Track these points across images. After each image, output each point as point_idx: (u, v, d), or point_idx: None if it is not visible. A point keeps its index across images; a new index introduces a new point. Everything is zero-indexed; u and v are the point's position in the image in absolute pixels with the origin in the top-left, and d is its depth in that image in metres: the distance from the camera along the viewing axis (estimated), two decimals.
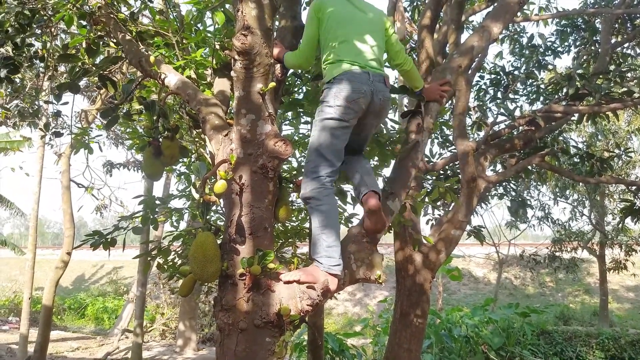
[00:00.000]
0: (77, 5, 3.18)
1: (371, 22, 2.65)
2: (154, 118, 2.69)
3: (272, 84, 2.19)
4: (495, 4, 3.04)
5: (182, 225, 4.71)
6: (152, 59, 2.71)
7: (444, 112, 3.03)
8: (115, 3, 3.20)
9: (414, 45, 8.43)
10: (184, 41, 3.22)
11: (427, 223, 6.47)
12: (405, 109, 4.01)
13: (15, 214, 14.46)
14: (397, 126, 3.65)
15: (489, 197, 8.03)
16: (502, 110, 5.20)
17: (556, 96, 6.23)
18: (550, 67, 8.18)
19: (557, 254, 13.65)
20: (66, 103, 4.80)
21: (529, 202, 7.91)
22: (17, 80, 5.21)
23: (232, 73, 2.23)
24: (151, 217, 3.21)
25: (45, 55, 4.88)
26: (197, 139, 4.13)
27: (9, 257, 18.87)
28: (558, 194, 14.02)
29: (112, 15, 3.05)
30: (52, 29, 4.92)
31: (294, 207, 4.26)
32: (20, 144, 11.82)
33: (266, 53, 2.18)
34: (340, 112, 2.38)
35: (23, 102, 5.63)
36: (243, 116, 2.24)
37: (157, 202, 3.33)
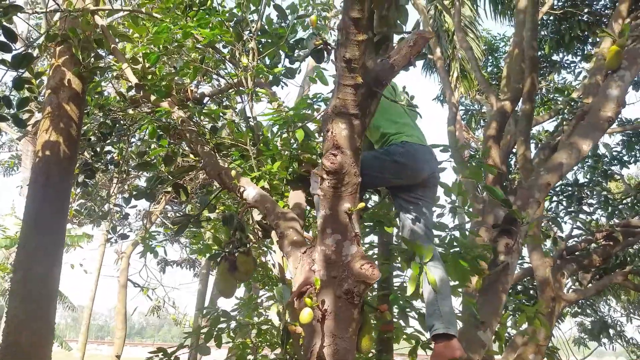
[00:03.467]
0: (161, 118, 3.32)
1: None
2: (232, 232, 2.63)
3: (361, 204, 2.09)
4: (583, 122, 2.93)
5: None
6: (233, 173, 2.71)
7: (531, 228, 2.83)
8: (196, 117, 3.33)
9: (472, 152, 8.38)
10: (259, 153, 3.25)
11: (494, 341, 5.94)
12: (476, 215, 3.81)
13: (67, 307, 14.57)
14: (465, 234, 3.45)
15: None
16: (578, 223, 4.91)
17: (634, 210, 5.89)
18: (617, 177, 7.88)
19: None
20: (135, 206, 4.89)
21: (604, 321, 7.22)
22: (90, 182, 5.42)
23: (319, 191, 2.16)
24: (215, 333, 3.04)
25: (120, 161, 5.11)
26: (262, 247, 4.06)
27: (54, 350, 18.73)
28: (631, 310, 12.84)
29: (193, 129, 3.14)
30: (129, 137, 5.20)
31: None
32: (80, 239, 12.19)
33: (355, 172, 2.12)
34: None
35: (93, 203, 5.82)
36: (328, 236, 2.13)
37: (222, 316, 3.17)
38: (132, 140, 5.51)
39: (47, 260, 3.53)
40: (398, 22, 2.45)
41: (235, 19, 3.60)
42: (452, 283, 3.12)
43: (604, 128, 2.87)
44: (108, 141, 4.65)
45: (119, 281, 8.01)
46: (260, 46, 3.68)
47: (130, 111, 4.68)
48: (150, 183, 3.44)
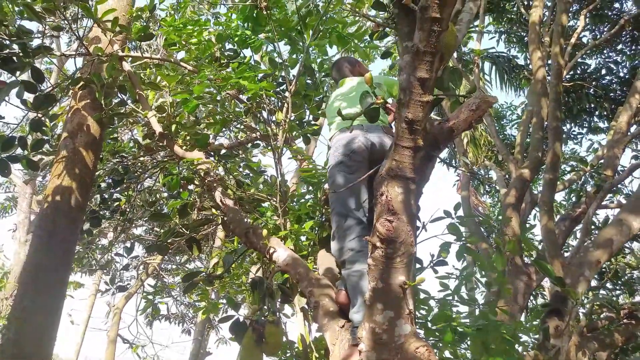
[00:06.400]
0: (185, 168, 3.16)
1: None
2: (260, 298, 2.40)
3: (420, 278, 1.90)
4: (632, 197, 2.80)
5: None
6: (264, 232, 2.51)
7: (579, 302, 2.64)
8: (223, 170, 3.17)
9: (482, 218, 8.24)
10: (287, 211, 3.08)
11: None
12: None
13: None
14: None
15: None
16: (604, 300, 4.68)
17: None
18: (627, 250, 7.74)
19: None
20: (137, 257, 4.63)
21: None
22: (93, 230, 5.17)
23: (369, 261, 1.97)
24: None
25: (127, 209, 4.90)
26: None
27: None
28: None
29: (220, 181, 2.98)
30: (137, 186, 5.01)
31: None
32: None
33: (411, 242, 1.93)
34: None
35: (92, 252, 5.54)
36: (379, 312, 1.91)
37: None
38: (140, 189, 5.33)
39: (44, 317, 3.23)
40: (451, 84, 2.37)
41: (263, 74, 3.54)
42: None
43: None
44: (118, 189, 4.46)
45: (108, 336, 7.51)
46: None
47: (143, 158, 4.53)
48: (165, 235, 3.22)
